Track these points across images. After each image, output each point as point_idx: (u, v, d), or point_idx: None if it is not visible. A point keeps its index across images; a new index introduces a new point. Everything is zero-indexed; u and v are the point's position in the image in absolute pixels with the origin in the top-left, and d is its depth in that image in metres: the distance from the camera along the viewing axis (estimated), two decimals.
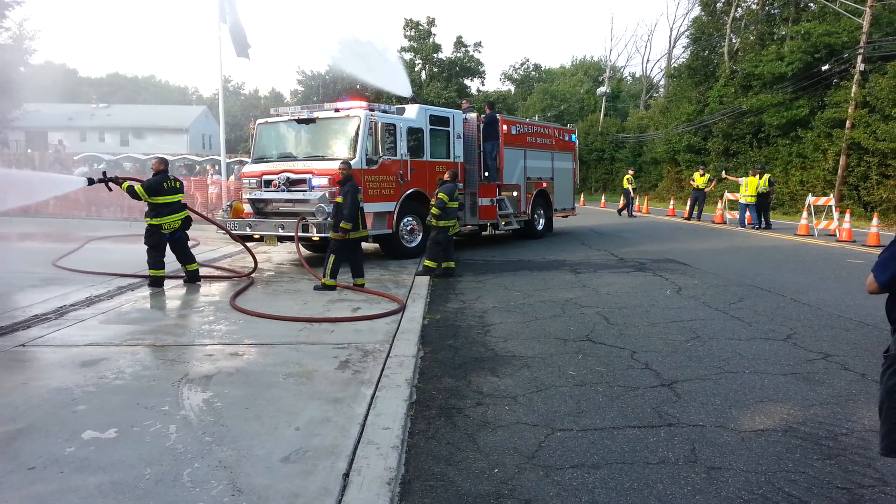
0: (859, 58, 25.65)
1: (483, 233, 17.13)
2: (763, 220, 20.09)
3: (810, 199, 18.97)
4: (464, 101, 16.02)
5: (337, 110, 11.93)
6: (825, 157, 27.22)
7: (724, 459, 3.87)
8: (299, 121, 12.19)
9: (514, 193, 16.00)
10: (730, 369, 5.65)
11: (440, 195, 10.64)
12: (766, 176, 20.52)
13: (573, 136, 19.51)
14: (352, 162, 11.25)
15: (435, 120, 13.41)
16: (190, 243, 9.93)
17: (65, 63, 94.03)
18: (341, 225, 9.07)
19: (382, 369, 5.46)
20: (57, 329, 6.84)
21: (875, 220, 16.54)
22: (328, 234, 9.62)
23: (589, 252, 14.40)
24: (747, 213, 20.38)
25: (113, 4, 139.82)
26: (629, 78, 71.40)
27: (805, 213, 18.72)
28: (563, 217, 19.44)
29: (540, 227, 17.59)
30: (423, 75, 60.79)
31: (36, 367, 5.58)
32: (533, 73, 75.86)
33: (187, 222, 9.56)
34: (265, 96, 76.28)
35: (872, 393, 4.86)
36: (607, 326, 7.25)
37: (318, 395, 4.85)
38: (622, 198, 28.10)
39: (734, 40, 37.90)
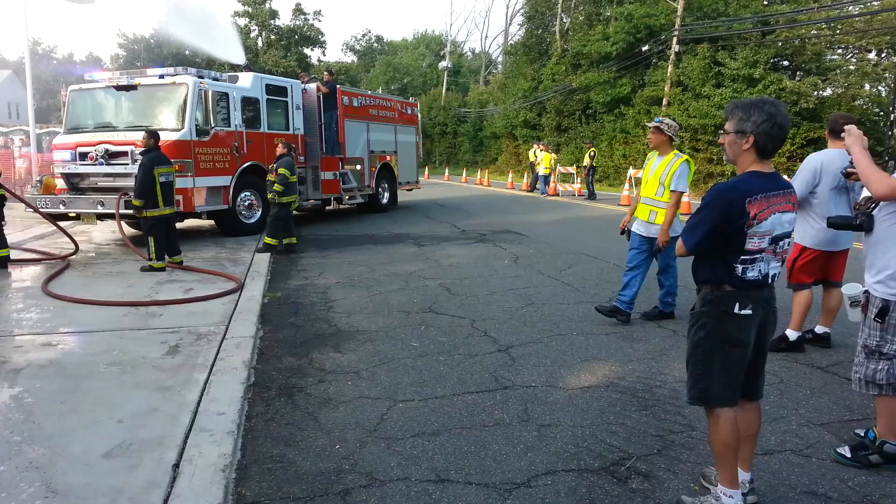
0: (674, 39, 28.04)
1: (327, 207, 16.83)
2: (588, 191, 22.03)
3: (631, 171, 20.62)
4: (303, 75, 15.51)
5: (162, 77, 11.08)
6: (645, 132, 29.63)
7: (553, 416, 4.12)
8: (118, 87, 11.18)
9: (358, 167, 15.85)
10: (559, 332, 6.01)
11: (281, 170, 10.25)
12: (591, 150, 22.49)
13: (416, 110, 19.65)
14: (180, 133, 10.56)
15: (272, 89, 12.87)
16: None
17: None
18: (133, 202, 8.45)
19: (217, 352, 5.20)
20: None
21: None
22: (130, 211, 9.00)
23: (433, 225, 14.65)
24: (550, 184, 23.66)
25: None
26: (469, 53, 73.10)
27: (627, 185, 20.31)
28: (407, 190, 19.61)
29: (384, 201, 17.62)
30: (260, 42, 58.13)
31: None
32: (375, 44, 75.19)
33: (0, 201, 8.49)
34: (81, 61, 69.13)
35: (683, 347, 5.40)
36: (449, 297, 7.43)
37: (145, 383, 4.52)
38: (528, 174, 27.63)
39: (565, 20, 39.92)
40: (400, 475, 3.37)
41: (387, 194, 17.79)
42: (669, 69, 28.00)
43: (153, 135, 8.58)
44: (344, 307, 6.96)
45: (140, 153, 8.71)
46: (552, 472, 3.42)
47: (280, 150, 10.64)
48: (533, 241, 11.88)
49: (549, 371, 4.96)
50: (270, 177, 10.50)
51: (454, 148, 51.70)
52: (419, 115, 20.11)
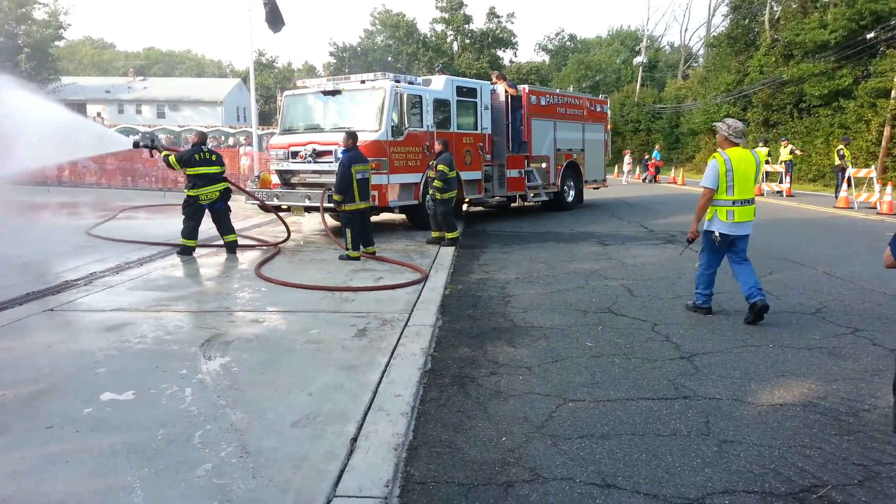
0: None
1: (512, 204, 16.98)
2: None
3: (851, 171, 18.35)
4: (494, 74, 15.78)
5: (363, 82, 11.87)
6: (868, 127, 26.28)
7: (737, 433, 3.79)
8: (325, 93, 12.16)
9: (543, 165, 15.81)
10: (753, 343, 5.52)
11: (440, 167, 10.45)
12: (790, 146, 21.32)
13: (605, 107, 19.16)
14: (377, 134, 11.25)
15: (462, 91, 13.26)
16: None
17: (103, 38, 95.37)
18: (333, 196, 9.09)
19: (399, 338, 5.48)
20: (85, 295, 7.01)
21: None
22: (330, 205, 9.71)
23: (618, 224, 14.19)
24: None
25: None
26: (667, 47, 69.74)
27: (845, 185, 18.12)
28: (593, 189, 19.17)
29: (570, 199, 17.39)
30: (455, 46, 60.17)
31: (62, 331, 5.73)
32: (568, 43, 74.47)
33: (226, 194, 9.66)
34: (298, 69, 76.45)
35: None
36: (630, 298, 7.14)
37: (334, 362, 4.88)
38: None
39: (775, 8, 36.52)
40: (564, 475, 3.31)
41: (572, 192, 17.53)
42: None
43: (352, 135, 9.27)
44: (521, 303, 6.98)
45: (341, 152, 9.43)
46: (731, 491, 3.15)
47: (438, 147, 10.86)
48: None
49: (736, 384, 4.57)
50: (430, 173, 10.75)
51: (648, 146, 49.57)
52: (609, 112, 19.55)
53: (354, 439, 3.59)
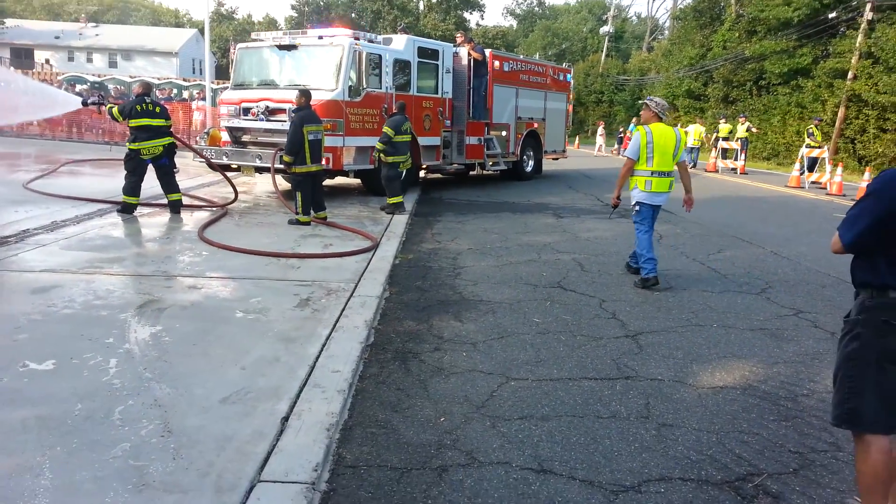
0: (868, 5, 24.82)
1: (470, 172, 16.82)
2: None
3: (804, 150, 18.67)
4: (459, 34, 15.39)
5: (320, 38, 11.43)
6: (824, 107, 26.74)
7: (676, 416, 3.77)
8: (281, 47, 11.68)
9: (503, 133, 15.61)
10: (698, 322, 5.53)
11: (385, 129, 10.20)
12: (746, 123, 22.28)
13: (569, 76, 18.98)
14: (334, 93, 10.87)
15: (424, 52, 12.91)
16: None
17: None
18: (283, 157, 8.79)
19: (343, 309, 5.31)
20: (15, 253, 6.63)
21: (867, 175, 16.35)
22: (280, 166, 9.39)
23: (575, 196, 14.17)
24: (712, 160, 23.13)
25: None
26: (634, 18, 69.80)
27: (797, 165, 18.45)
28: (553, 159, 19.10)
29: (529, 169, 17.28)
30: (421, 6, 58.94)
31: None
32: (536, 8, 73.78)
33: (170, 149, 9.22)
34: (259, 21, 74.02)
35: None
36: (581, 273, 7.11)
37: (272, 333, 4.70)
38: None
39: None
40: (501, 458, 3.23)
41: (531, 162, 17.42)
42: (859, 39, 24.85)
43: (305, 94, 8.89)
44: (471, 275, 6.88)
45: (292, 111, 9.06)
46: (667, 478, 3.11)
47: (393, 109, 10.57)
48: (681, 219, 11.09)
49: (679, 364, 4.56)
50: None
51: (609, 117, 49.74)
52: (572, 81, 19.40)
53: (286, 418, 3.45)
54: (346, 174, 11.80)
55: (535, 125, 16.97)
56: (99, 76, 34.68)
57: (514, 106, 15.89)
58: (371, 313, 5.29)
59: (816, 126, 19.46)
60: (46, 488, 2.74)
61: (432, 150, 13.33)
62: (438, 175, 16.50)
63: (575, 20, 66.20)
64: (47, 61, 49.37)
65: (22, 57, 51.14)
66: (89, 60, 55.70)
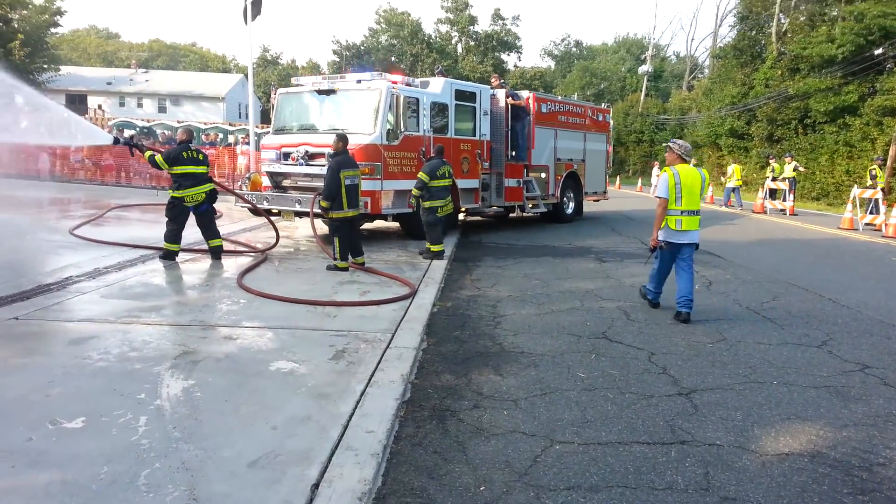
0: None
1: (510, 215, 16.67)
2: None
3: (856, 190, 18.03)
4: (493, 77, 15.44)
5: (359, 81, 11.52)
6: (874, 146, 25.93)
7: (739, 488, 3.45)
8: (320, 91, 11.81)
9: (543, 175, 15.47)
10: (756, 378, 5.18)
11: (420, 174, 10.10)
12: (793, 162, 22.11)
13: (608, 116, 18.84)
14: (372, 137, 10.90)
15: (461, 95, 12.93)
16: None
17: (108, 27, 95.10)
18: (320, 203, 8.74)
19: (379, 362, 5.13)
20: (57, 302, 6.66)
21: None
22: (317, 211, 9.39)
23: (618, 239, 13.85)
24: (759, 201, 22.53)
25: None
26: (673, 57, 69.54)
27: (850, 206, 17.79)
28: (594, 201, 18.85)
29: (569, 211, 17.06)
30: (460, 49, 59.91)
31: (22, 343, 5.36)
32: (574, 49, 74.29)
33: (212, 196, 9.30)
34: (302, 66, 76.14)
35: None
36: (626, 323, 6.81)
37: (305, 389, 4.54)
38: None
39: (783, 20, 36.26)
40: None
41: (572, 204, 17.20)
42: None
43: (342, 138, 8.89)
44: (512, 324, 6.64)
45: (329, 156, 9.08)
46: None
47: (431, 153, 10.50)
48: (731, 264, 10.70)
49: (739, 427, 4.23)
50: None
51: (650, 157, 49.29)
52: (611, 121, 19.24)
53: (316, 485, 3.25)
54: (384, 218, 11.76)
55: (575, 166, 16.80)
56: (147, 121, 35.92)
57: (553, 147, 15.77)
58: (408, 366, 5.09)
59: (880, 166, 18.88)
60: None
61: (471, 192, 13.24)
62: (478, 217, 16.38)
63: (613, 60, 66.39)
64: (99, 107, 51.35)
65: (76, 102, 53.32)
66: (139, 105, 57.83)
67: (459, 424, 4.17)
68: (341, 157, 8.72)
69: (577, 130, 16.92)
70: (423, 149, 11.73)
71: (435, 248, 10.11)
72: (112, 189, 21.21)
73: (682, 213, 6.79)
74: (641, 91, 55.76)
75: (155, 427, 3.82)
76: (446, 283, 8.61)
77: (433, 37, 62.55)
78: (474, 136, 13.22)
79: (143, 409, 4.07)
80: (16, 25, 39.20)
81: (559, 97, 18.02)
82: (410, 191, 10.92)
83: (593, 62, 66.51)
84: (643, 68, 57.67)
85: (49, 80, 41.28)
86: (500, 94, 14.16)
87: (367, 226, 12.72)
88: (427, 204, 10.12)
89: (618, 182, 36.61)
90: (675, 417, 4.36)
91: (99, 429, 3.79)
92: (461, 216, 14.56)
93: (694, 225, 6.86)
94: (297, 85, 12.49)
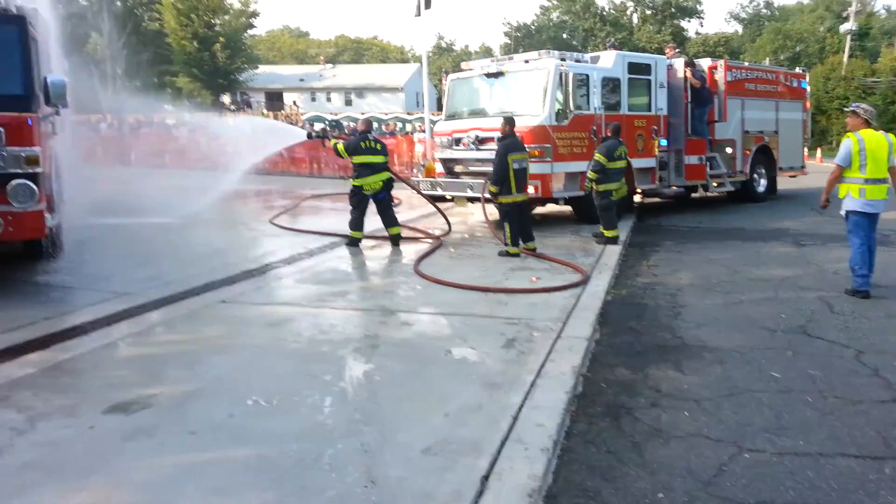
0: None
1: (692, 195, 15.63)
2: None
3: None
4: (668, 47, 14.47)
5: (526, 62, 11.38)
6: None
7: None
8: (488, 75, 11.83)
9: (728, 150, 14.29)
10: None
11: (596, 156, 9.62)
12: None
13: (804, 82, 16.94)
14: (540, 118, 10.72)
15: (634, 68, 12.28)
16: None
17: (299, 27, 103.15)
18: (489, 188, 8.68)
19: (549, 352, 5.04)
20: (257, 287, 7.35)
21: None
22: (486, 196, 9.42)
23: (819, 220, 12.44)
24: None
25: None
26: (882, 11, 60.98)
27: None
28: (790, 177, 17.05)
29: (760, 189, 15.62)
30: (635, 19, 57.21)
31: (227, 325, 5.95)
32: (764, 10, 67.94)
33: (389, 184, 9.72)
34: (476, 51, 77.20)
35: None
36: (830, 316, 6.10)
37: (476, 376, 4.58)
38: None
39: None
40: None
41: (763, 181, 15.73)
42: None
43: (509, 121, 8.83)
44: (694, 315, 6.22)
45: (497, 140, 9.06)
46: None
47: (607, 132, 10.03)
48: None
49: None
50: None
51: None
52: (809, 87, 17.29)
53: (486, 477, 3.25)
54: (556, 201, 11.57)
55: (766, 139, 15.32)
56: (335, 115, 38.54)
57: (739, 118, 14.50)
58: (579, 358, 4.96)
59: None
60: None
61: (647, 172, 12.56)
62: (656, 199, 15.57)
63: (810, 19, 59.83)
64: (294, 103, 55.97)
65: (274, 99, 58.65)
66: (328, 100, 62.16)
67: (635, 423, 3.98)
68: (509, 140, 8.68)
69: (769, 99, 15.39)
70: (595, 128, 11.34)
71: (609, 233, 9.73)
72: (306, 180, 23.02)
73: (865, 181, 6.47)
74: (844, 52, 49.53)
75: (338, 409, 4.07)
76: (621, 270, 8.28)
77: (607, 9, 60.35)
78: (649, 111, 12.52)
79: (328, 391, 4.35)
80: (218, 29, 43.85)
81: (745, 63, 16.49)
82: (583, 173, 10.64)
83: (787, 23, 60.30)
84: (846, 26, 51.11)
85: (248, 80, 45.71)
86: (679, 63, 13.27)
87: (539, 210, 12.61)
88: (601, 187, 9.74)
89: (818, 155, 32.90)
90: (890, 428, 3.82)
91: (290, 408, 4.10)
92: (637, 198, 13.92)
93: (881, 194, 6.54)
94: (466, 69, 12.62)
